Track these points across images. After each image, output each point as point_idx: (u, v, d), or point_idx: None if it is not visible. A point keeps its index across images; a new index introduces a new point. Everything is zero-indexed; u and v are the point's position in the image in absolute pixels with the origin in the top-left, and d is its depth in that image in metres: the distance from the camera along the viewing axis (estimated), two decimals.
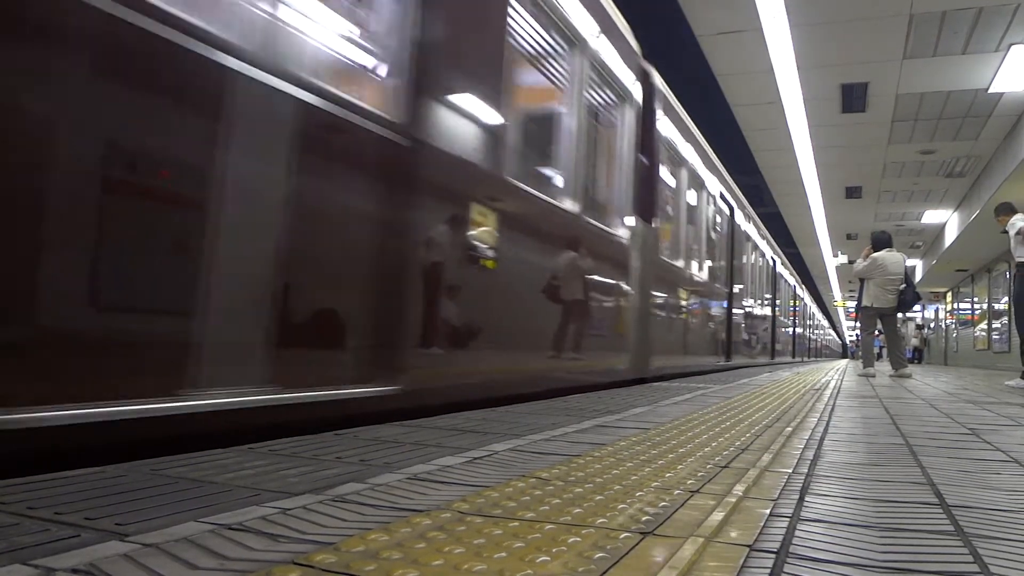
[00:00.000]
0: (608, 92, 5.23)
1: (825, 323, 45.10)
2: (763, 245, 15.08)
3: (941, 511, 1.33)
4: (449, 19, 3.04)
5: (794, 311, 21.81)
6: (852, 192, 13.98)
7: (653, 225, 6.19)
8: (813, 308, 32.18)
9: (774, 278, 16.75)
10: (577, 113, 4.52)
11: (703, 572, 0.92)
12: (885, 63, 8.13)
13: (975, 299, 20.40)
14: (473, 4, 3.41)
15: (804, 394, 4.56)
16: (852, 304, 20.50)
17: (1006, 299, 16.63)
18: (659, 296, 6.61)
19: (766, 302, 15.59)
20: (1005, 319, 16.77)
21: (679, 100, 7.39)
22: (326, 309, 2.49)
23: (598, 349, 5.04)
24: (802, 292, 25.01)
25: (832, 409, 3.51)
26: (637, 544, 1.02)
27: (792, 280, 21.25)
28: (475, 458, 1.73)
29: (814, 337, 33.70)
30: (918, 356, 25.22)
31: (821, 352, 39.70)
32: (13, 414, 1.48)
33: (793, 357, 20.71)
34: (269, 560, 0.90)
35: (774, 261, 16.71)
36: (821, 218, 16.40)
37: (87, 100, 1.66)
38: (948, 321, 25.28)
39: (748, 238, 12.97)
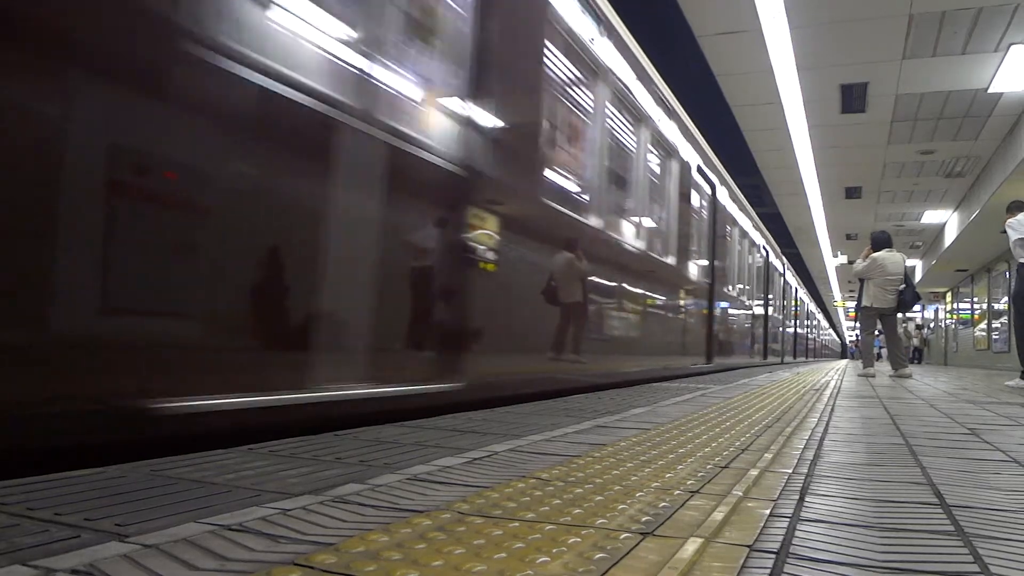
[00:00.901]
0: None
1: (819, 316, 38.58)
2: (686, 150, 7.69)
3: (941, 511, 1.33)
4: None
5: (766, 289, 14.70)
6: (852, 192, 13.98)
7: None
8: (801, 294, 24.29)
9: (712, 218, 8.99)
10: None
11: (703, 572, 0.92)
12: (885, 63, 8.14)
13: (975, 299, 20.42)
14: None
15: (804, 394, 4.57)
16: (852, 304, 20.44)
17: (1006, 299, 16.66)
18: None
19: (698, 261, 8.29)
20: (1005, 319, 16.80)
21: (679, 101, 7.37)
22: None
23: None
24: (779, 263, 17.50)
25: (832, 409, 3.51)
26: (637, 544, 1.02)
27: (759, 238, 13.52)
28: (475, 459, 1.73)
29: (803, 332, 26.00)
30: (918, 356, 25.22)
31: (820, 353, 38.43)
32: None
33: (765, 358, 14.44)
34: (269, 561, 0.90)
35: (711, 188, 9.11)
36: (821, 218, 16.41)
37: None
38: (948, 321, 25.30)
39: (636, 117, 6.10)
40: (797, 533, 1.13)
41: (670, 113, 7.12)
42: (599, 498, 1.31)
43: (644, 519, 1.16)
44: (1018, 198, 7.08)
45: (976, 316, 20.42)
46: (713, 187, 9.15)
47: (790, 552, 1.02)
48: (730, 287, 10.77)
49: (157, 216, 2.09)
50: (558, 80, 4.57)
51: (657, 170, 6.93)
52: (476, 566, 0.90)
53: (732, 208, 10.58)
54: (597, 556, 0.96)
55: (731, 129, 10.79)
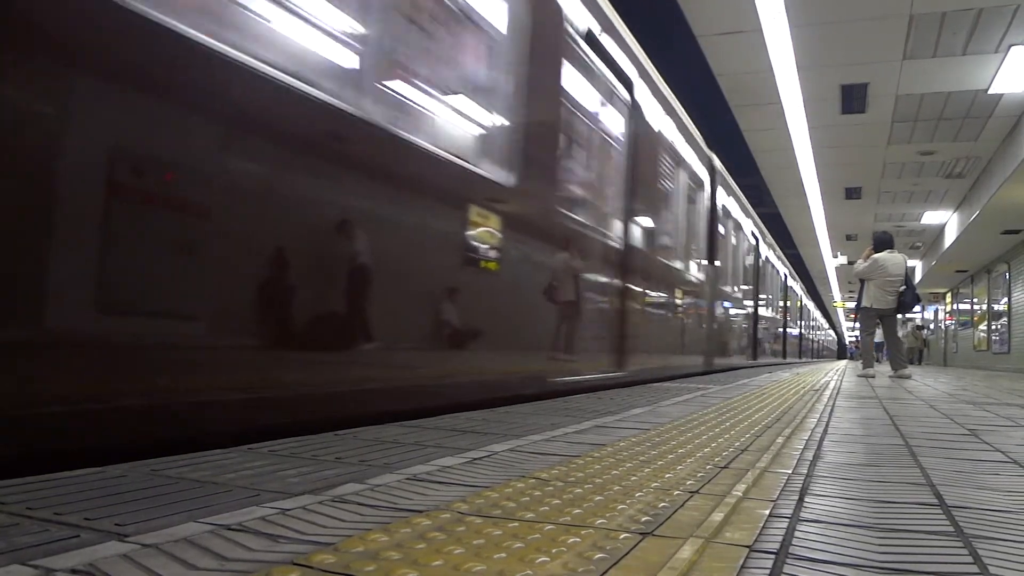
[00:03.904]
0: None
1: (819, 317, 36.67)
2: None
3: (940, 512, 1.33)
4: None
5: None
6: (852, 193, 13.99)
7: None
8: (803, 298, 23.12)
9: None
10: None
11: (703, 573, 0.92)
12: (885, 64, 8.13)
13: (975, 300, 20.42)
14: None
15: (804, 395, 4.57)
16: (851, 305, 20.42)
17: (1005, 300, 16.67)
18: None
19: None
20: (1004, 320, 16.80)
21: (679, 101, 7.39)
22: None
23: None
24: (786, 271, 16.28)
25: (831, 410, 3.51)
26: (637, 545, 1.02)
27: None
28: (474, 459, 1.73)
29: (804, 334, 24.23)
30: (917, 357, 25.22)
31: (819, 353, 37.68)
32: None
33: (752, 359, 12.85)
34: (268, 560, 0.90)
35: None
36: (821, 219, 16.41)
37: None
38: (947, 322, 25.30)
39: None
40: (796, 533, 1.13)
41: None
42: (599, 498, 1.31)
43: (644, 519, 1.16)
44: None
45: (976, 317, 20.43)
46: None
47: (789, 552, 1.02)
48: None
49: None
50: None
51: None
52: (476, 566, 0.90)
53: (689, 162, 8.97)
54: (597, 556, 0.96)
55: (731, 129, 10.81)
